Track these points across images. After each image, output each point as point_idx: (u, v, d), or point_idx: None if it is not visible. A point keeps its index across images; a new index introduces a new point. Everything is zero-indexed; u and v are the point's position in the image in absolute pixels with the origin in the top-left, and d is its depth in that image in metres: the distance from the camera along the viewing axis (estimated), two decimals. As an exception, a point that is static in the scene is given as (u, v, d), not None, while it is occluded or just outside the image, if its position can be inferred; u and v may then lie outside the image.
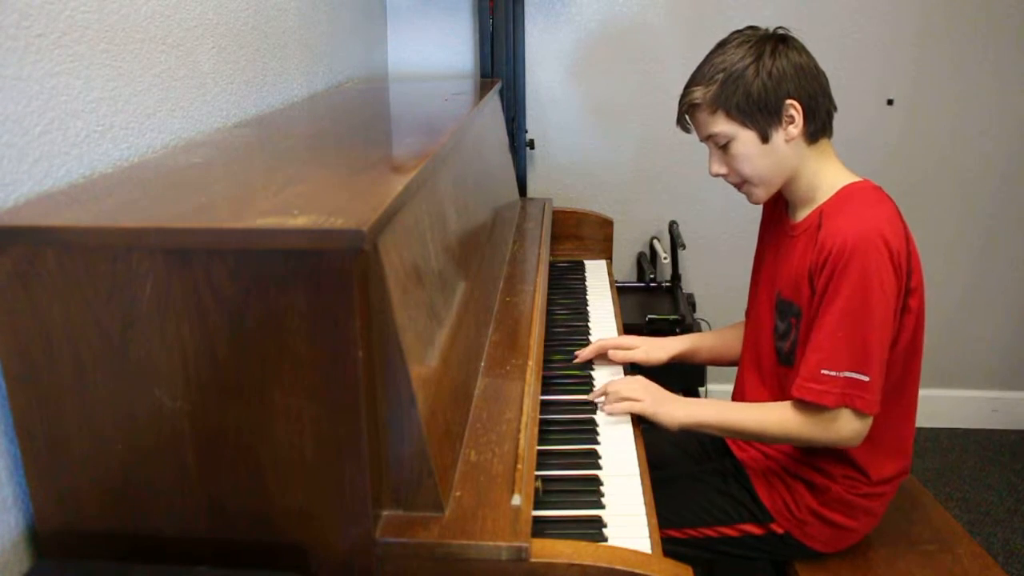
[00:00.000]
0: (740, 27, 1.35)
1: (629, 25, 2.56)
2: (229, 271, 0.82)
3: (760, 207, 1.51)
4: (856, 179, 1.32)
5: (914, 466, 1.52)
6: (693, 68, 1.35)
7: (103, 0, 1.08)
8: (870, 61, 2.50)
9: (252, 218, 0.83)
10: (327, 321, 0.82)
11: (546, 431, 1.29)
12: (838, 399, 1.22)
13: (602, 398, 1.39)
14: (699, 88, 1.30)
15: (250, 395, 0.85)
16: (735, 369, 1.57)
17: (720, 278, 2.69)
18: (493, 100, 2.07)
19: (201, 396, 0.86)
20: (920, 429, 2.87)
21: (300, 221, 0.81)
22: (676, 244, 2.52)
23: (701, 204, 2.66)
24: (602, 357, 1.57)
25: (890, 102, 2.55)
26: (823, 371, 1.22)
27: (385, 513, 0.93)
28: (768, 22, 1.36)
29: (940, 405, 2.77)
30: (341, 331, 0.82)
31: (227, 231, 0.82)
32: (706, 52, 1.36)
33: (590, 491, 1.15)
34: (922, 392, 1.37)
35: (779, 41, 1.29)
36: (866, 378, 1.22)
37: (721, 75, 1.28)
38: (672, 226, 2.60)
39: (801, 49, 1.30)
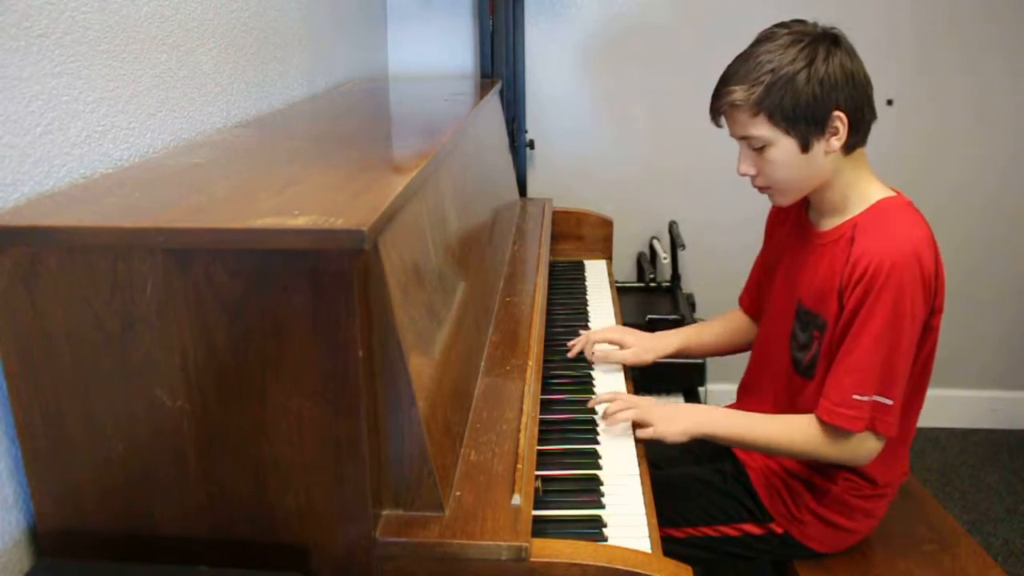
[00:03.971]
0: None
1: (629, 25, 2.56)
2: (229, 271, 0.82)
3: (763, 206, 1.50)
4: (889, 192, 1.28)
5: (914, 466, 1.52)
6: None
7: (104, 0, 1.08)
8: (870, 61, 2.48)
9: (253, 218, 0.83)
10: (327, 321, 0.82)
11: (546, 431, 1.29)
12: (866, 424, 1.21)
13: (604, 405, 1.36)
14: (742, 88, 1.21)
15: (250, 395, 0.85)
16: (736, 368, 1.56)
17: (720, 278, 2.69)
18: (493, 100, 2.08)
19: (201, 396, 0.86)
20: (920, 429, 2.84)
21: (300, 221, 0.81)
22: (676, 244, 2.52)
23: (701, 204, 2.66)
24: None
25: (890, 102, 2.55)
26: (854, 396, 1.20)
27: (385, 513, 0.93)
28: (767, 21, 1.32)
29: (940, 405, 2.77)
30: (341, 331, 0.82)
31: (227, 231, 0.82)
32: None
33: (590, 491, 1.15)
34: (922, 392, 1.37)
35: (832, 43, 1.21)
36: (890, 402, 1.20)
37: (768, 76, 1.19)
38: (672, 226, 2.60)
39: (852, 52, 1.22)
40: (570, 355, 1.57)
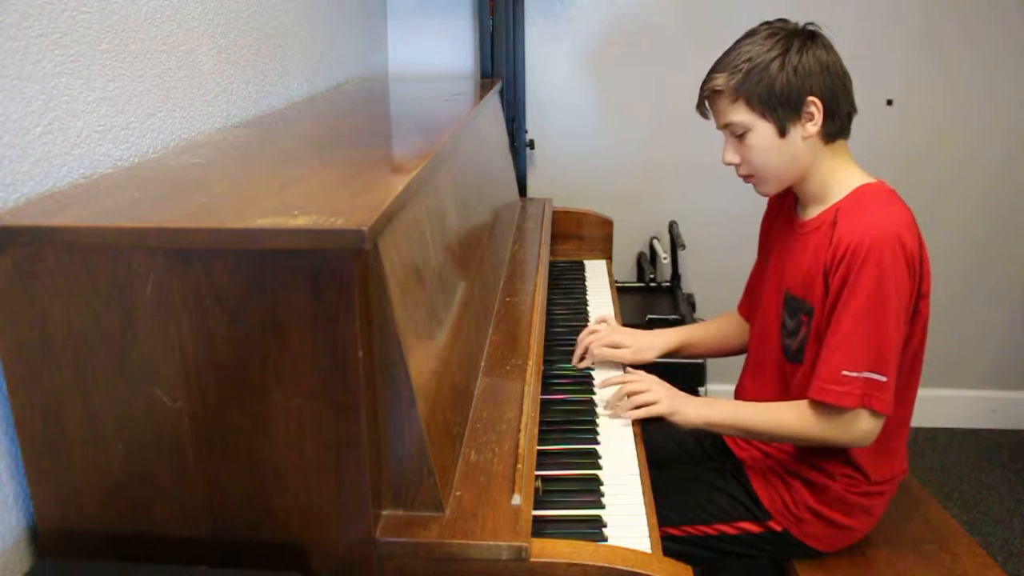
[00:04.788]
0: (740, 28, 1.34)
1: (629, 25, 2.56)
2: (229, 271, 0.82)
3: (763, 205, 1.51)
4: (871, 180, 1.31)
5: (914, 466, 1.52)
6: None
7: (104, 0, 1.08)
8: (870, 61, 2.50)
9: (252, 218, 0.83)
10: (327, 321, 0.82)
11: (546, 431, 1.29)
12: (857, 400, 1.22)
13: (610, 389, 1.39)
14: (722, 75, 1.29)
15: (250, 395, 0.85)
16: (736, 368, 1.57)
17: (720, 278, 2.69)
18: (493, 100, 2.08)
19: (201, 396, 0.86)
20: (920, 429, 2.87)
21: (300, 221, 0.81)
22: (676, 244, 2.52)
23: (701, 204, 2.66)
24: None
25: (890, 102, 2.55)
26: (843, 372, 1.22)
27: (385, 513, 0.93)
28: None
29: (940, 405, 2.77)
30: (341, 331, 0.82)
31: (227, 231, 0.82)
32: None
33: (590, 491, 1.15)
34: (922, 392, 1.37)
35: (808, 37, 1.28)
36: (884, 378, 1.22)
37: (746, 64, 1.26)
38: (672, 226, 2.60)
39: (829, 47, 1.29)
40: (577, 364, 1.56)
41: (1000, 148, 2.60)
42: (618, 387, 1.40)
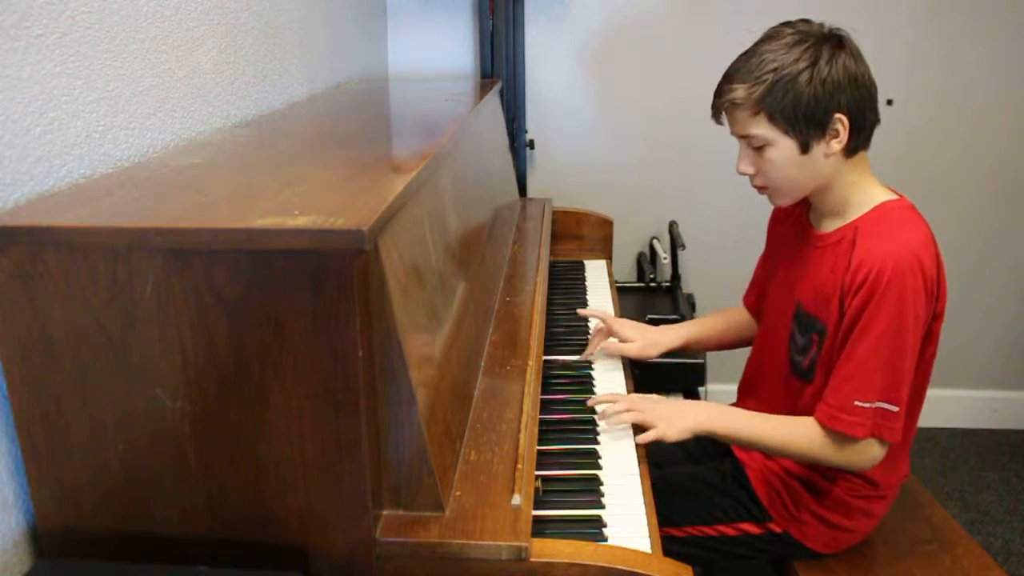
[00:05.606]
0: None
1: (630, 25, 2.56)
2: (229, 271, 0.82)
3: (763, 205, 1.50)
4: (891, 196, 1.27)
5: (914, 466, 1.51)
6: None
7: (104, 1, 1.08)
8: (869, 61, 2.49)
9: (252, 218, 0.83)
10: (327, 321, 0.82)
11: (546, 431, 1.29)
12: (868, 430, 1.20)
13: (604, 406, 1.34)
14: (743, 86, 1.21)
15: (250, 395, 0.85)
16: (737, 368, 1.56)
17: (720, 278, 2.69)
18: (493, 100, 2.08)
19: (201, 396, 0.86)
20: (920, 429, 2.85)
21: (300, 221, 0.81)
22: (676, 244, 2.52)
23: (701, 204, 2.66)
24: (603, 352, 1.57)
25: (890, 102, 2.55)
26: (856, 402, 1.19)
27: (385, 513, 0.93)
28: (769, 21, 1.31)
29: (940, 405, 2.77)
30: (341, 331, 0.82)
31: (227, 231, 0.82)
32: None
33: (590, 491, 1.15)
34: (922, 392, 1.37)
35: (836, 44, 1.20)
36: (895, 408, 1.19)
37: (771, 75, 1.18)
38: (672, 226, 2.60)
39: (857, 55, 1.22)
40: (584, 356, 1.57)
41: (1001, 148, 2.60)
42: (608, 404, 1.33)
